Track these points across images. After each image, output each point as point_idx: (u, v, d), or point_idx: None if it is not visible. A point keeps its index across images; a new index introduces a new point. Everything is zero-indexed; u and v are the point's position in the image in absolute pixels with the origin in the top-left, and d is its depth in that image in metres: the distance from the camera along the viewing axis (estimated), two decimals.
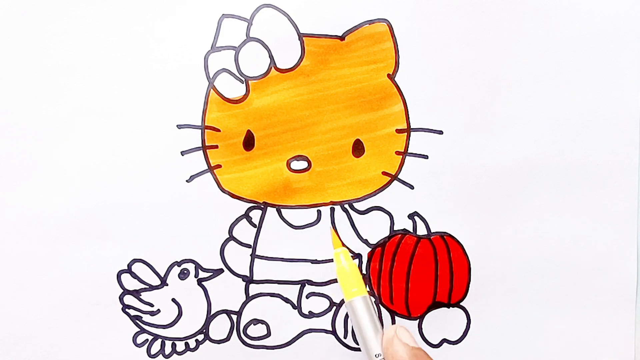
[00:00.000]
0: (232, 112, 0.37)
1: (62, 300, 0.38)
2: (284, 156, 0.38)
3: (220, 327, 0.38)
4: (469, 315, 0.39)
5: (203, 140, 0.37)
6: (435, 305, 0.39)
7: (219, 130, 0.37)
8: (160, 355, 0.38)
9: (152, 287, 0.38)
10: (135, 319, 0.38)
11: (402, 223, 0.38)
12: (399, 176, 0.38)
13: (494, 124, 0.38)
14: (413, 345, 0.32)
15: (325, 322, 0.39)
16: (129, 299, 0.38)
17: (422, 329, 0.39)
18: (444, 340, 0.39)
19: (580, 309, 0.39)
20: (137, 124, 0.37)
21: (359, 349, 0.38)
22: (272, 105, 0.37)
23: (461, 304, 0.39)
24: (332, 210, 0.38)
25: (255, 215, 0.38)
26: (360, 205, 0.38)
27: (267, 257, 0.38)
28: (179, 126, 0.37)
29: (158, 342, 0.38)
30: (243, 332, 0.38)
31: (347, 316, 0.38)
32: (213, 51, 0.37)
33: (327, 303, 0.39)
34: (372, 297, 0.36)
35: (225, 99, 0.37)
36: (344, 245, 0.38)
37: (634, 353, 0.39)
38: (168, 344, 0.38)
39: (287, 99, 0.37)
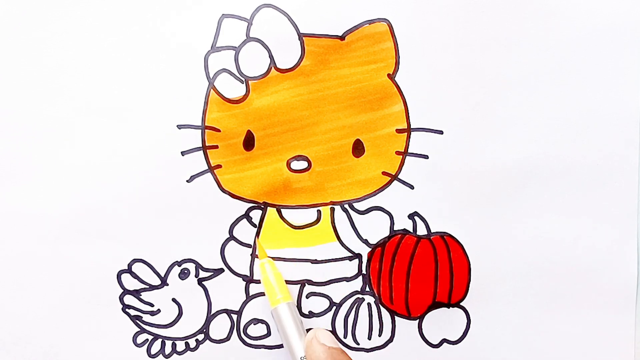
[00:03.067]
0: (232, 112, 0.37)
1: (62, 300, 0.38)
2: (284, 156, 0.38)
3: (220, 326, 0.38)
4: (469, 315, 0.39)
5: (203, 141, 0.37)
6: (435, 305, 0.39)
7: (219, 131, 0.37)
8: (161, 355, 0.38)
9: (152, 287, 0.38)
10: (135, 318, 0.38)
11: (402, 223, 0.38)
12: (399, 176, 0.38)
13: (494, 124, 0.38)
14: (331, 345, 0.34)
15: (325, 321, 0.39)
16: (129, 299, 0.38)
17: (422, 329, 0.39)
18: (444, 340, 0.39)
19: (580, 309, 0.39)
20: (137, 124, 0.37)
21: (359, 349, 0.39)
22: (272, 105, 0.37)
23: (461, 304, 0.39)
24: (332, 210, 0.38)
25: (256, 215, 0.38)
26: (360, 205, 0.38)
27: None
28: (179, 126, 0.37)
29: (158, 342, 0.38)
30: (243, 332, 0.38)
31: (347, 316, 0.39)
32: (213, 51, 0.37)
33: (327, 303, 0.39)
34: (294, 304, 0.37)
35: (225, 99, 0.37)
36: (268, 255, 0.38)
37: (634, 353, 0.39)
38: (168, 343, 0.38)
39: (287, 99, 0.37)
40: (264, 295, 0.38)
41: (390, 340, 0.39)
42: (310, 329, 0.38)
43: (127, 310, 0.38)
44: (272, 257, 0.38)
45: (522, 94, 0.38)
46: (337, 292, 0.39)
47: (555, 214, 0.38)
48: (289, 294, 0.37)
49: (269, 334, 0.38)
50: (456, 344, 0.39)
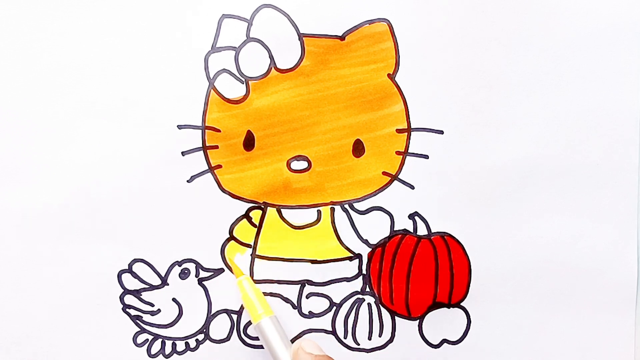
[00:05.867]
0: (233, 112, 0.37)
1: (62, 300, 0.38)
2: (284, 156, 0.38)
3: (220, 326, 0.38)
4: (469, 315, 0.39)
5: (203, 141, 0.37)
6: (436, 305, 0.39)
7: (219, 131, 0.37)
8: (161, 355, 0.38)
9: (152, 287, 0.38)
10: (135, 318, 0.38)
11: (403, 223, 0.38)
12: (399, 176, 0.38)
13: (494, 124, 0.38)
14: (317, 354, 0.34)
15: (325, 322, 0.39)
16: (130, 299, 0.38)
17: (422, 329, 0.39)
18: (444, 341, 0.39)
19: (580, 309, 0.39)
20: (137, 124, 0.37)
21: (359, 349, 0.39)
22: (272, 106, 0.37)
23: (461, 304, 0.39)
24: (332, 210, 0.38)
25: (256, 215, 0.38)
26: (360, 205, 0.38)
27: (267, 257, 0.38)
28: (180, 126, 0.37)
29: (158, 342, 0.38)
30: (243, 332, 0.38)
31: (347, 316, 0.39)
32: (213, 51, 0.37)
33: (327, 303, 0.39)
34: (276, 317, 0.37)
35: (225, 99, 0.37)
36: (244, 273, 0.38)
37: (634, 353, 0.39)
38: (168, 343, 0.38)
39: (287, 99, 0.37)
40: (264, 295, 0.38)
41: (391, 340, 0.39)
42: (295, 339, 0.38)
43: (127, 310, 0.38)
44: (272, 257, 0.38)
45: (522, 94, 0.38)
46: (337, 292, 0.39)
47: (555, 214, 0.38)
48: (269, 308, 0.37)
49: None
50: (456, 344, 0.39)
